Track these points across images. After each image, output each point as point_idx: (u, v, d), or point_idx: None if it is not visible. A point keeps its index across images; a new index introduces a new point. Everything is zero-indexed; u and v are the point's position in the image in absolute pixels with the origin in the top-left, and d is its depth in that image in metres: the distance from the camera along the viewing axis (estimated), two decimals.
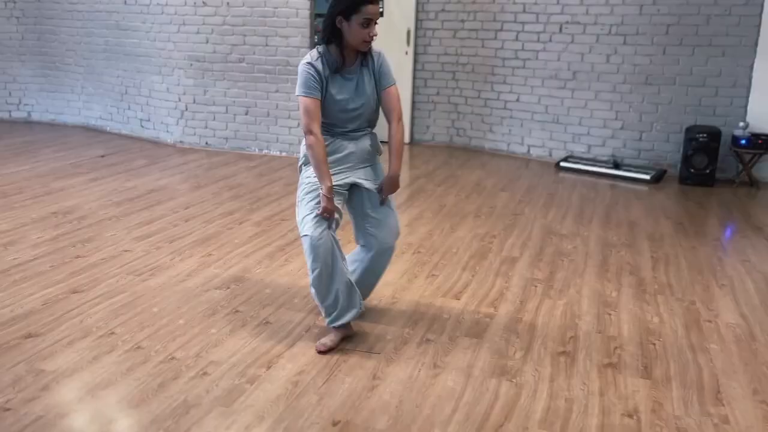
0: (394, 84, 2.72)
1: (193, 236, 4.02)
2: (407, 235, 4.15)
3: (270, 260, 3.66)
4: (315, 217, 2.56)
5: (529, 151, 6.68)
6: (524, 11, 6.42)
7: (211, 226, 4.22)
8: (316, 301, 2.70)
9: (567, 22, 6.21)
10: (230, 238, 4.01)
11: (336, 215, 2.60)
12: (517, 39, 6.53)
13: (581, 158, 6.29)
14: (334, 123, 2.65)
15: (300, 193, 2.68)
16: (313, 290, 2.66)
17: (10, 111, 7.87)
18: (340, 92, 2.58)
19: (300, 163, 2.77)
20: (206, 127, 6.64)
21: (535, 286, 3.39)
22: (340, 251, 2.62)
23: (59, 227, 4.11)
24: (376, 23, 2.53)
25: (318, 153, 2.53)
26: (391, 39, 7.02)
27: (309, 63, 2.54)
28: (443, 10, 6.89)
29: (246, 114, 6.49)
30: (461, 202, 4.98)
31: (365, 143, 2.74)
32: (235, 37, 6.33)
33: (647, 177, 5.72)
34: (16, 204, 4.57)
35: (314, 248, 2.54)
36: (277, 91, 6.33)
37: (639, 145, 6.11)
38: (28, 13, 7.54)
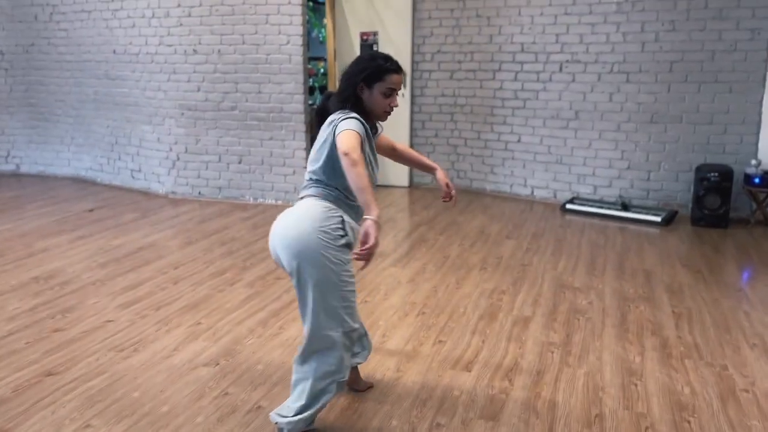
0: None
1: (181, 301, 3.76)
2: (410, 293, 3.89)
3: (263, 328, 3.40)
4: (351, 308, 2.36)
5: (532, 192, 6.46)
6: (523, 50, 6.27)
7: (201, 289, 3.96)
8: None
9: (567, 61, 6.04)
10: (221, 302, 3.75)
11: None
12: (516, 79, 6.36)
13: (588, 200, 6.07)
14: (348, 192, 2.33)
15: (326, 274, 2.24)
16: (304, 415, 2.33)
17: None
18: (370, 150, 2.38)
19: (321, 225, 2.25)
20: (199, 177, 6.42)
21: (552, 352, 3.12)
22: None
23: (39, 295, 3.85)
24: (397, 94, 2.37)
25: (367, 174, 2.15)
26: None
27: (356, 117, 2.26)
28: (439, 51, 6.74)
29: (239, 162, 6.28)
30: (465, 253, 4.73)
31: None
32: (227, 85, 6.15)
33: (658, 219, 5.48)
34: None
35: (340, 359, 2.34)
36: (271, 139, 6.13)
37: (647, 186, 5.89)
38: (17, 64, 7.39)
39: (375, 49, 6.84)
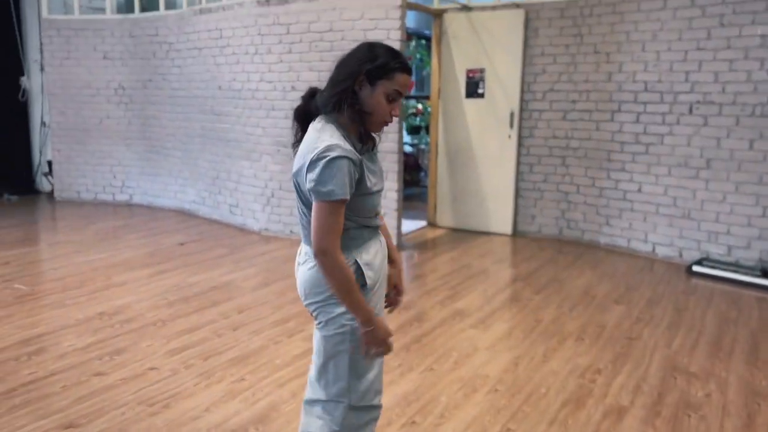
0: None
1: (233, 351, 3.47)
2: (485, 365, 3.36)
3: None
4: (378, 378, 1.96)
5: (654, 249, 5.67)
6: (646, 90, 5.57)
7: (257, 339, 3.66)
8: None
9: (698, 102, 5.28)
10: (272, 356, 3.42)
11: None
12: (638, 121, 5.66)
13: (720, 262, 5.20)
14: (367, 221, 1.90)
15: (340, 345, 1.89)
16: None
17: (113, 194, 7.98)
18: (374, 177, 1.87)
19: (319, 300, 1.90)
20: (291, 215, 6.25)
21: None
22: None
23: (98, 332, 3.72)
24: (401, 101, 1.87)
25: (351, 275, 1.78)
26: (492, 121, 6.40)
27: (343, 150, 1.72)
28: (552, 90, 6.18)
29: None
30: (563, 317, 4.11)
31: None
32: None
33: None
34: (69, 301, 4.29)
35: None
36: None
37: None
38: (135, 99, 7.70)
39: (482, 87, 6.41)
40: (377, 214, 1.96)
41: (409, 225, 6.85)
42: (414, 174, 9.01)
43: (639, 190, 5.73)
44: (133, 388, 3.03)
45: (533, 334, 3.81)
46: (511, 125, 6.34)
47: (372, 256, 1.89)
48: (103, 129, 7.85)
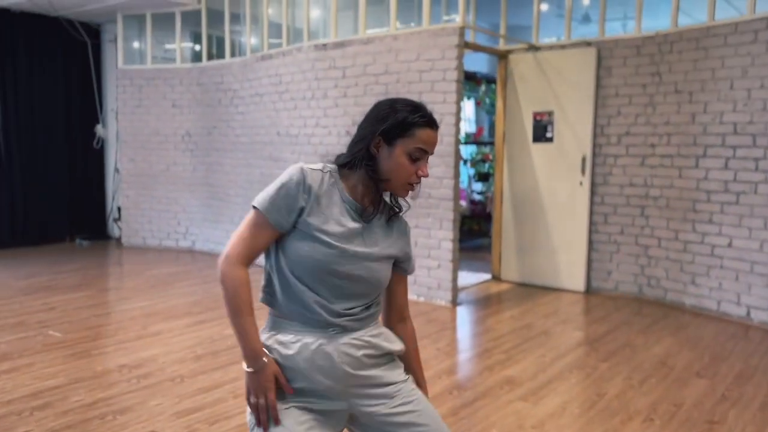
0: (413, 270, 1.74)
1: (242, 417, 3.13)
2: None
3: None
4: None
5: (748, 314, 4.93)
6: (736, 132, 4.95)
7: None
8: None
9: None
10: None
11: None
12: (726, 167, 5.02)
13: None
14: (306, 290, 1.56)
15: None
16: None
17: (177, 240, 7.98)
18: (343, 239, 1.56)
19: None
20: None
21: None
22: None
23: (111, 387, 3.48)
24: (427, 160, 1.59)
25: (245, 296, 1.55)
26: (562, 167, 5.91)
27: (302, 169, 1.55)
28: (628, 133, 5.64)
29: None
30: (630, 392, 3.52)
31: (354, 352, 1.60)
32: None
33: None
34: (95, 351, 4.11)
35: None
36: (416, 227, 5.45)
37: None
38: (201, 145, 7.73)
39: (550, 130, 5.96)
40: (351, 311, 1.59)
41: (471, 278, 6.38)
42: (483, 224, 8.54)
43: (729, 245, 5.03)
44: None
45: (592, 411, 3.25)
46: (583, 171, 5.82)
47: (291, 347, 1.57)
48: (170, 175, 7.92)
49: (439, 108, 5.28)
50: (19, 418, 3.07)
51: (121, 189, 8.21)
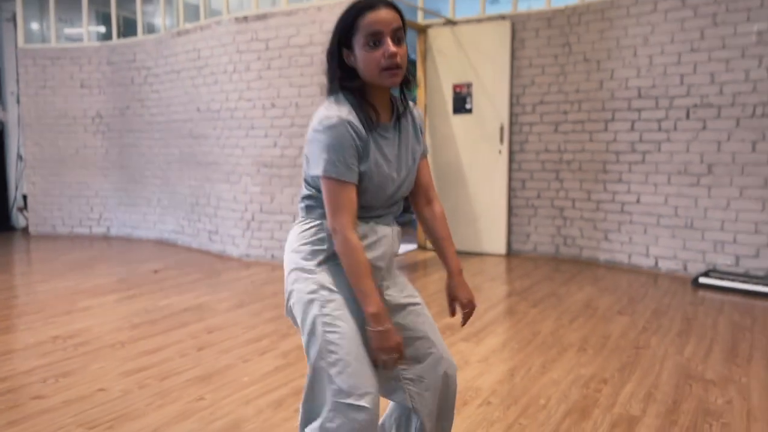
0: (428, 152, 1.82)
1: (195, 371, 3.10)
2: (477, 377, 2.99)
3: (274, 409, 2.64)
4: (368, 370, 1.57)
5: (656, 263, 5.34)
6: (640, 96, 5.34)
7: (225, 357, 3.30)
8: None
9: (696, 106, 5.04)
10: (239, 374, 3.05)
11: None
12: (633, 129, 5.41)
13: (728, 273, 4.87)
14: (370, 205, 1.64)
15: (316, 325, 1.58)
16: None
17: (90, 226, 7.66)
18: (382, 158, 1.61)
19: (292, 269, 1.66)
20: (272, 238, 5.92)
21: None
22: None
23: (46, 356, 3.35)
24: (395, 38, 1.53)
25: (363, 259, 1.55)
26: (481, 137, 6.14)
27: (344, 120, 1.53)
28: (542, 102, 5.95)
29: None
30: (562, 329, 3.76)
31: (396, 235, 1.74)
32: (304, 140, 5.67)
33: None
34: (22, 325, 3.92)
35: None
36: None
37: None
38: (113, 127, 7.45)
39: (469, 102, 6.18)
40: (395, 204, 1.71)
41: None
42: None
43: (638, 201, 5.43)
44: (75, 410, 2.65)
45: (530, 347, 3.45)
46: (501, 140, 6.09)
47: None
48: (80, 159, 7.58)
49: None
50: None
51: (26, 176, 7.78)
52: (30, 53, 7.55)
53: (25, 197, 8.00)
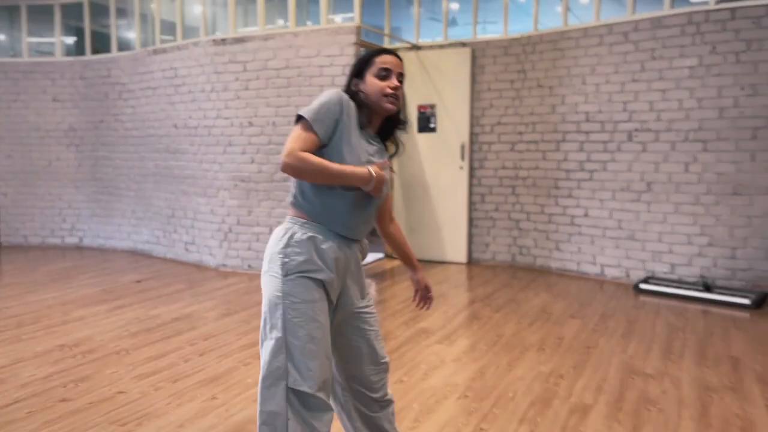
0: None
1: (202, 374, 3.46)
2: (453, 375, 3.45)
3: None
4: (318, 357, 1.86)
5: (602, 271, 5.92)
6: (587, 120, 5.92)
7: (226, 361, 3.66)
8: None
9: (636, 130, 5.64)
10: (243, 376, 3.42)
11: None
12: (581, 149, 5.98)
13: (664, 279, 5.48)
14: (326, 217, 1.93)
15: (280, 314, 1.86)
16: None
17: (63, 237, 7.82)
18: (349, 147, 1.92)
19: (267, 269, 1.95)
20: (249, 249, 6.27)
21: None
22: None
23: (58, 363, 3.64)
24: (399, 78, 1.98)
25: (317, 159, 1.84)
26: (444, 154, 6.63)
27: (340, 93, 1.94)
28: (499, 123, 6.48)
29: None
30: (523, 332, 4.25)
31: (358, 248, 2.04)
32: (280, 156, 6.05)
33: (747, 301, 4.84)
34: (25, 335, 4.18)
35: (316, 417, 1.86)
36: None
37: (732, 264, 5.26)
38: (86, 140, 7.65)
39: (433, 122, 6.67)
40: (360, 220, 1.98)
41: (367, 258, 6.93)
42: None
43: (586, 215, 6.01)
44: (103, 410, 2.98)
45: (496, 347, 3.93)
46: (462, 157, 6.59)
47: (324, 243, 1.93)
48: (53, 171, 7.74)
49: None
50: None
51: None
52: (2, 67, 7.67)
53: None
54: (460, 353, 3.82)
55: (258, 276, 6.03)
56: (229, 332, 4.25)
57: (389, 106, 1.98)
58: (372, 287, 5.76)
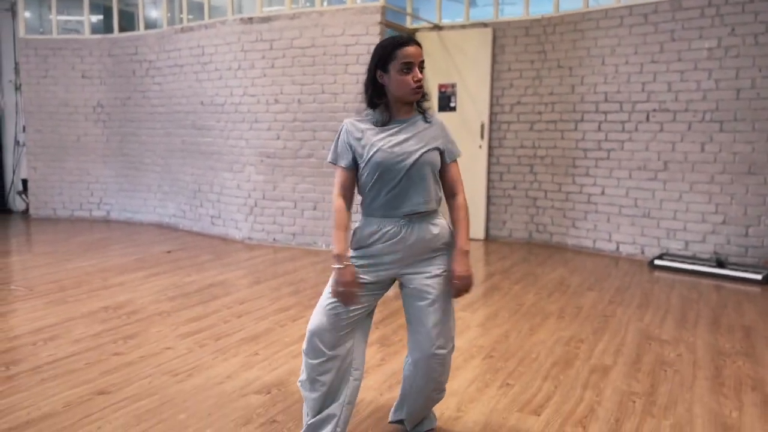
0: (459, 155, 2.32)
1: (242, 333, 3.68)
2: (478, 337, 3.65)
3: None
4: (332, 306, 2.21)
5: (618, 248, 6.09)
6: (606, 100, 6.05)
7: (263, 323, 3.87)
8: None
9: (654, 110, 5.77)
10: (281, 336, 3.64)
11: (358, 304, 2.20)
12: (599, 129, 6.13)
13: (679, 256, 5.64)
14: (376, 203, 2.21)
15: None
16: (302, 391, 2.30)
17: (90, 210, 8.06)
18: (385, 142, 2.17)
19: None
20: (274, 223, 6.47)
21: (634, 402, 2.79)
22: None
23: (106, 322, 3.87)
24: (421, 67, 2.14)
25: (339, 216, 2.20)
26: (464, 133, 6.79)
27: (345, 122, 2.24)
28: (519, 103, 6.62)
29: (314, 209, 6.30)
30: (542, 302, 4.44)
31: (425, 230, 2.22)
32: (305, 133, 6.25)
33: (759, 277, 5.01)
34: (70, 298, 4.42)
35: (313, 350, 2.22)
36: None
37: (746, 242, 5.42)
38: (114, 116, 7.85)
39: (453, 101, 6.82)
40: (403, 197, 2.19)
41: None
42: None
43: (602, 193, 6.16)
44: (154, 363, 3.21)
45: (517, 315, 4.12)
46: (482, 136, 6.74)
47: (373, 236, 2.23)
48: (81, 147, 7.96)
49: (363, 79, 5.94)
50: (36, 347, 3.42)
51: (27, 160, 8.11)
52: (31, 44, 7.87)
53: (24, 182, 8.33)
54: (484, 319, 4.02)
55: (282, 249, 6.25)
56: (262, 297, 4.46)
57: (416, 97, 2.19)
58: None
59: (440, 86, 6.89)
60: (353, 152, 2.19)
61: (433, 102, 6.90)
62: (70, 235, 6.96)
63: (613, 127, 6.04)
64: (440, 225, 2.25)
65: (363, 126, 2.20)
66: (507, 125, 6.73)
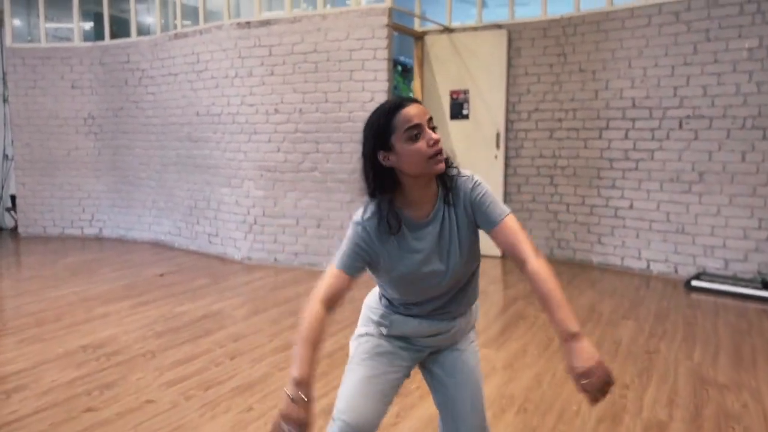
0: (509, 213, 1.76)
1: (235, 381, 3.20)
2: (507, 383, 3.16)
3: (326, 417, 2.76)
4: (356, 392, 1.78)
5: (648, 266, 5.59)
6: (634, 106, 5.57)
7: (259, 366, 3.40)
8: None
9: (688, 117, 5.29)
10: (279, 383, 3.16)
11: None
12: (626, 137, 5.64)
13: (718, 276, 5.15)
14: (407, 300, 1.79)
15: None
16: None
17: (82, 227, 7.62)
18: (409, 253, 1.70)
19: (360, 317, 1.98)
20: (275, 242, 6.01)
21: None
22: None
23: (82, 366, 3.41)
24: (431, 127, 1.61)
25: (306, 326, 1.60)
26: (477, 142, 6.32)
27: (360, 223, 1.67)
28: (537, 110, 6.14)
29: (318, 227, 5.83)
30: None
31: (455, 326, 1.84)
32: (307, 145, 5.79)
33: None
34: (47, 335, 3.96)
35: None
36: (351, 201, 5.66)
37: None
38: (106, 128, 7.41)
39: (466, 108, 6.35)
40: (445, 297, 1.80)
41: None
42: None
43: (631, 207, 5.68)
44: (131, 422, 2.74)
45: (548, 352, 3.64)
46: (497, 146, 6.27)
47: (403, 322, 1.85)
48: (71, 161, 7.52)
49: (371, 86, 5.49)
50: None
51: (15, 176, 7.68)
52: (18, 53, 7.45)
53: (13, 197, 7.90)
54: (511, 358, 3.54)
55: (284, 270, 5.78)
56: (259, 333, 4.00)
57: (438, 166, 1.62)
58: None
59: (452, 93, 6.42)
60: (365, 262, 1.69)
61: (445, 109, 6.43)
62: (59, 255, 6.52)
63: (641, 135, 5.56)
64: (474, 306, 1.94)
65: (373, 231, 1.68)
66: (524, 133, 6.25)
